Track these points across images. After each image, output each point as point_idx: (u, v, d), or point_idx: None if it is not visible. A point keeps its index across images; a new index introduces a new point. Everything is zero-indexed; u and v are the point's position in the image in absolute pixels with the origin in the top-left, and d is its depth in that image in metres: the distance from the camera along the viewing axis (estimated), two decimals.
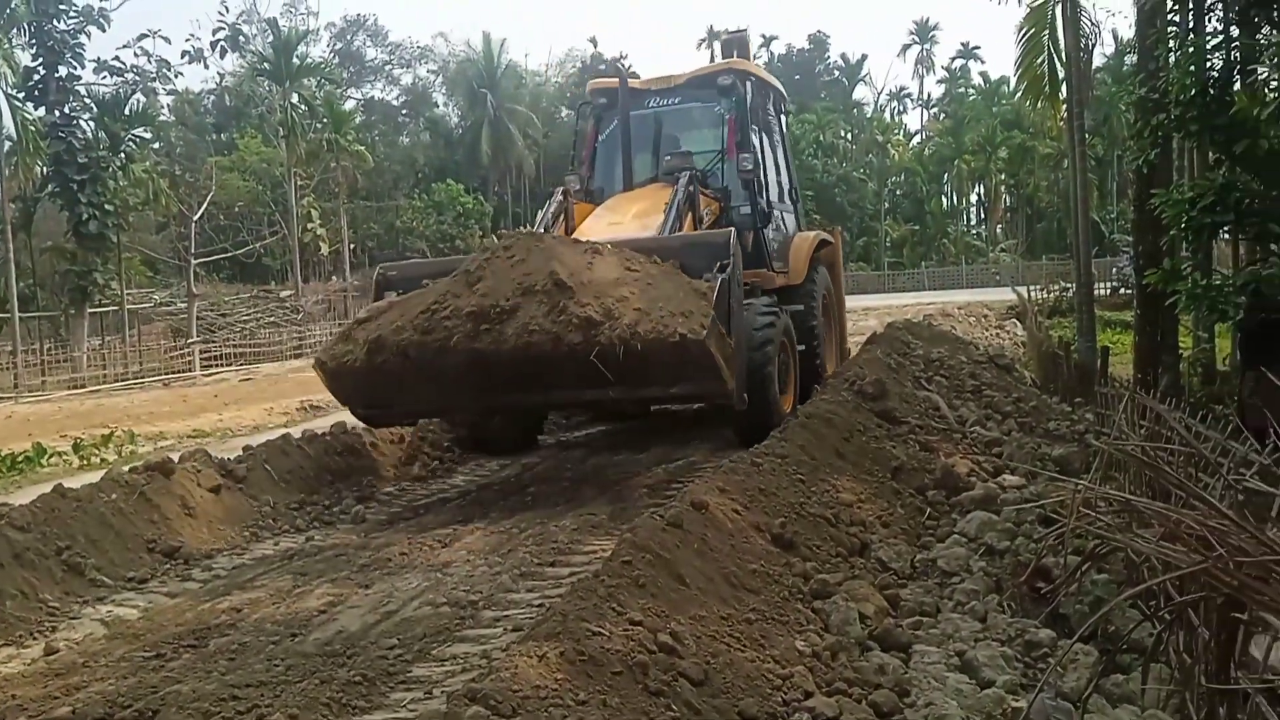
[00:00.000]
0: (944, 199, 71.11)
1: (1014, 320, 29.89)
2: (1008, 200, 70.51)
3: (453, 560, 6.09)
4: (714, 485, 6.04)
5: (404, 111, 76.91)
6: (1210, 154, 12.24)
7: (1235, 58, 10.94)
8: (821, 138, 65.85)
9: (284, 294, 40.93)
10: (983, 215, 74.75)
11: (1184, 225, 10.45)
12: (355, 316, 8.37)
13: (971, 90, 76.81)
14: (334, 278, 51.37)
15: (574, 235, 9.05)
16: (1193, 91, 10.30)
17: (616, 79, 10.89)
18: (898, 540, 6.41)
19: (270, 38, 47.51)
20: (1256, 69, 9.98)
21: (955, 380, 12.28)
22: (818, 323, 11.06)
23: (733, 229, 8.55)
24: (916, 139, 78.74)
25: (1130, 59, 19.38)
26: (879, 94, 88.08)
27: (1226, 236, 14.74)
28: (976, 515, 6.71)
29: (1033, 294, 32.79)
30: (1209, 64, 10.78)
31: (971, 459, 8.87)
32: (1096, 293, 27.11)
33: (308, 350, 35.63)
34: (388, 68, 78.19)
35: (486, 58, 71.36)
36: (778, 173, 11.58)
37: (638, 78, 11.44)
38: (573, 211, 9.81)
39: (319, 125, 47.34)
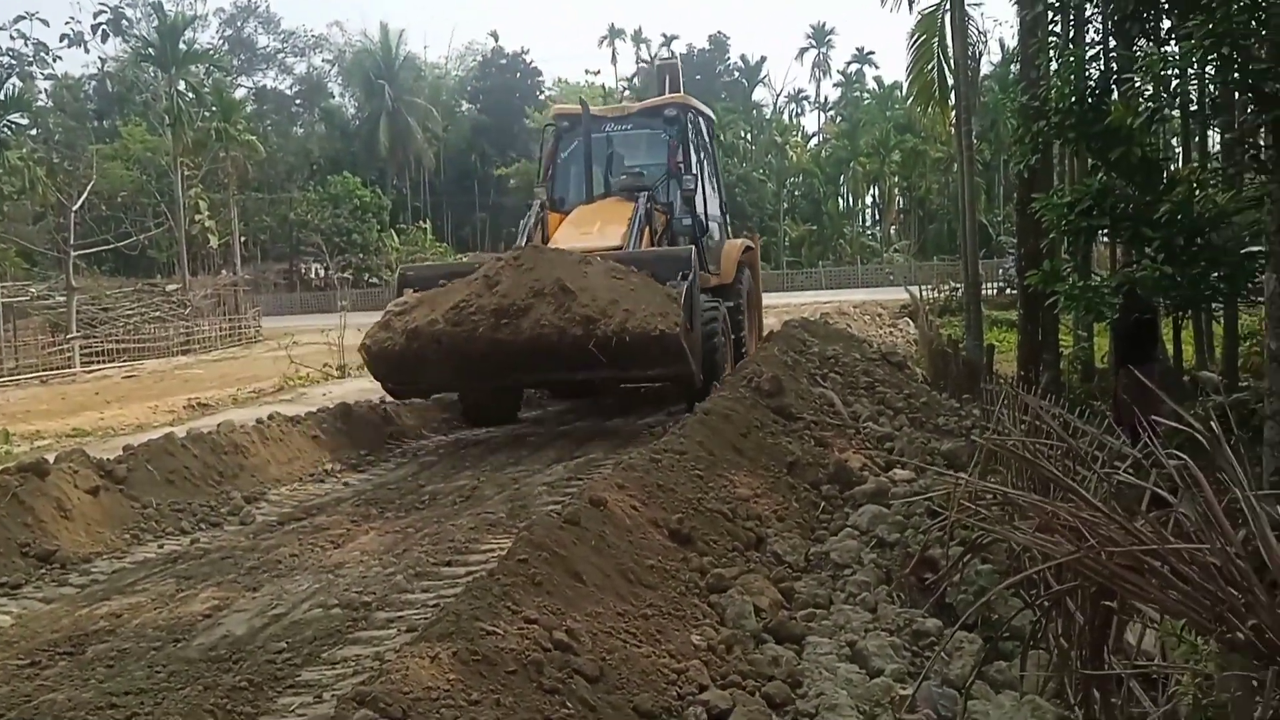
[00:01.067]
0: (840, 200, 72.60)
1: (907, 319, 30.69)
2: (901, 202, 72.37)
3: (345, 561, 5.96)
4: (613, 482, 6.04)
5: (298, 101, 75.00)
6: (1088, 160, 12.77)
7: (1112, 68, 11.43)
8: (722, 138, 66.46)
9: (170, 288, 39.41)
10: (877, 216, 76.65)
11: (1063, 228, 10.90)
12: (387, 309, 10.33)
13: (866, 94, 78.62)
14: (224, 271, 49.72)
15: (549, 242, 11.16)
16: (1071, 100, 10.73)
17: (578, 106, 13.17)
18: (793, 534, 6.51)
19: (155, 22, 45.71)
20: (1132, 79, 10.42)
21: (850, 377, 12.56)
22: (744, 315, 13.02)
23: (693, 247, 10.82)
24: (814, 141, 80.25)
25: (1014, 68, 20.10)
26: (778, 96, 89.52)
27: (1105, 239, 15.42)
28: (868, 508, 6.87)
29: (924, 293, 33.72)
30: (1087, 74, 11.25)
31: (864, 454, 9.08)
32: (984, 292, 28.09)
33: (196, 346, 34.42)
34: (280, 56, 76.14)
35: (384, 49, 70.07)
36: (712, 189, 13.72)
37: (584, 103, 13.54)
38: (548, 221, 11.93)
39: (207, 114, 45.73)
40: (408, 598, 5.25)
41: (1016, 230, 16.16)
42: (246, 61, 73.95)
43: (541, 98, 74.00)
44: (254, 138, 51.19)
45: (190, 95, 44.44)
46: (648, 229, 11.49)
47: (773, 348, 13.03)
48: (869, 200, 76.77)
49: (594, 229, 11.48)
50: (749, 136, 76.58)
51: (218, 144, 46.08)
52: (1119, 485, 4.18)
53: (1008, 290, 33.47)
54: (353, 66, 71.99)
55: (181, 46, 44.55)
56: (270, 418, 9.73)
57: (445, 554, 5.95)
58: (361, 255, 62.39)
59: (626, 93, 79.94)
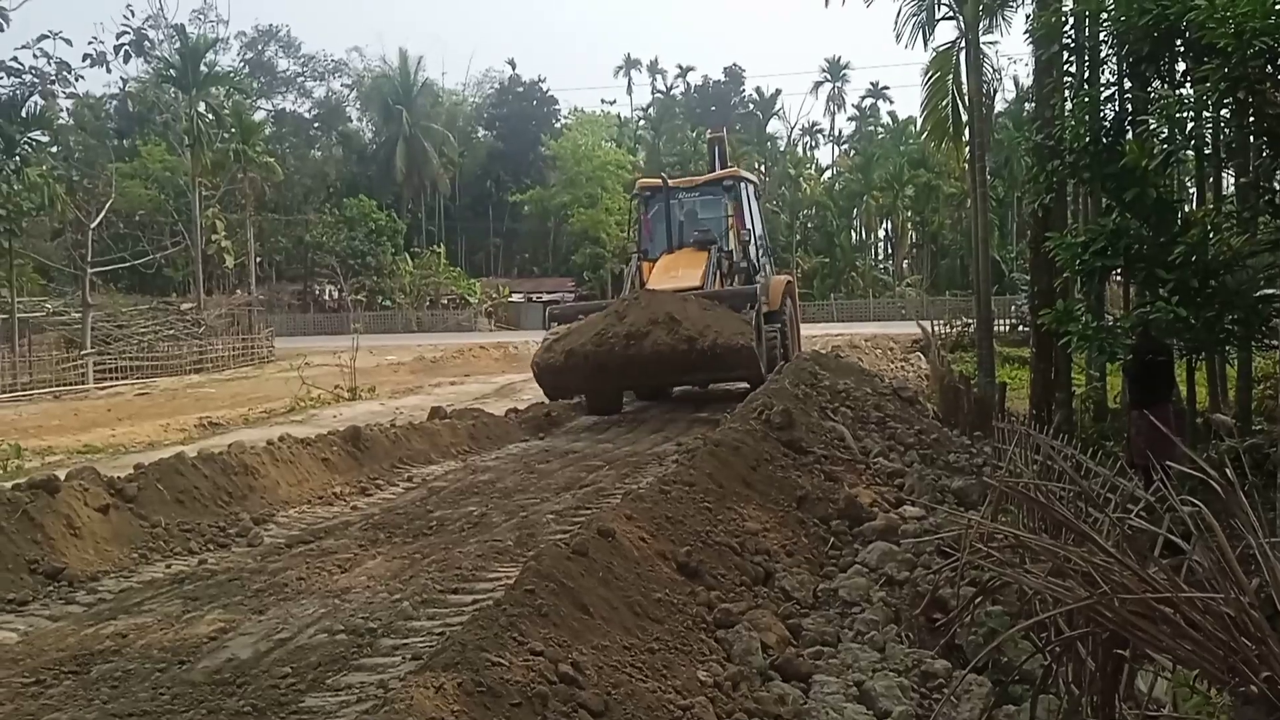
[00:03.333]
0: (853, 233, 72.70)
1: (918, 353, 30.65)
2: (913, 236, 72.41)
3: (352, 586, 5.94)
4: (622, 513, 6.02)
5: (316, 125, 75.60)
6: (1102, 200, 12.77)
7: (1127, 109, 11.45)
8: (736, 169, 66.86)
9: (185, 307, 39.65)
10: (890, 250, 76.66)
11: (1076, 268, 10.87)
12: (545, 338, 14.81)
13: (880, 129, 78.90)
14: (238, 291, 50.00)
15: (647, 285, 15.68)
16: (1086, 140, 10.75)
17: (659, 180, 17.94)
18: (801, 569, 6.48)
19: (177, 44, 46.28)
20: (1147, 121, 10.42)
21: (860, 411, 12.54)
22: (788, 333, 16.61)
23: (757, 286, 15.46)
24: (827, 174, 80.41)
25: (1029, 105, 20.20)
26: (792, 128, 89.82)
27: (1119, 280, 15.38)
28: (878, 545, 6.84)
29: (936, 328, 33.68)
30: (1101, 114, 11.28)
31: (874, 490, 9.04)
32: (996, 329, 28.06)
33: (208, 365, 34.57)
34: (300, 80, 76.86)
35: (403, 74, 70.71)
36: (760, 237, 18.53)
37: (664, 177, 18.31)
38: (642, 269, 16.56)
39: (226, 135, 46.20)
40: (413, 625, 5.23)
41: (1030, 268, 16.15)
42: (266, 84, 74.71)
43: (557, 125, 74.53)
44: (272, 159, 51.66)
45: (210, 117, 44.91)
46: (719, 272, 15.94)
47: (784, 380, 13.02)
48: (882, 234, 76.82)
49: (678, 273, 15.78)
50: (763, 168, 76.83)
51: (236, 165, 46.52)
52: (1132, 530, 4.14)
53: (1020, 327, 33.38)
54: (371, 91, 72.68)
55: (203, 69, 45.04)
56: (281, 439, 9.74)
57: (452, 581, 5.93)
58: (375, 278, 62.72)
59: (642, 122, 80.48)
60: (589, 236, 61.47)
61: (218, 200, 47.28)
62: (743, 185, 17.88)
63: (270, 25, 75.93)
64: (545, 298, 67.75)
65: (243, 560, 6.85)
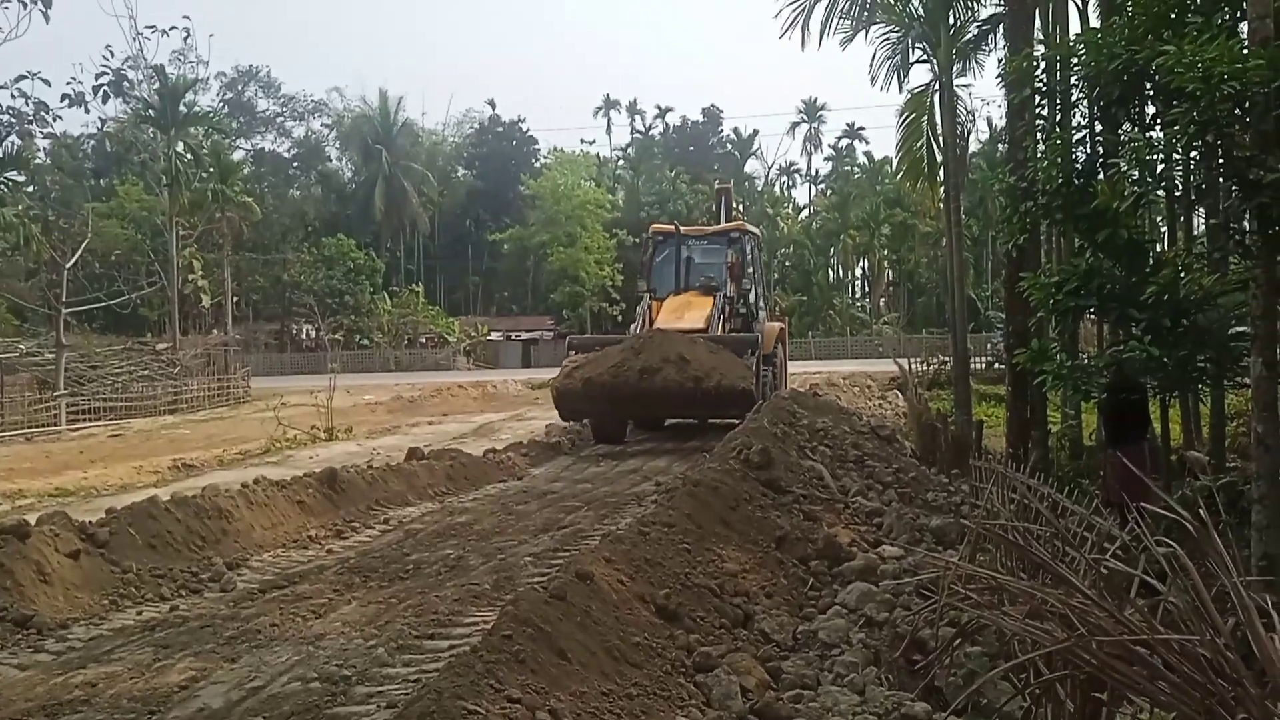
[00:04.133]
0: (830, 271, 73.29)
1: (896, 391, 30.76)
2: (890, 275, 73.04)
3: (326, 632, 5.87)
4: (600, 555, 6.00)
5: (295, 164, 75.74)
6: (1075, 241, 12.92)
7: (1098, 152, 11.62)
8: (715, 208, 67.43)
9: (160, 347, 39.32)
10: (867, 289, 77.28)
11: (1050, 307, 10.96)
12: (564, 364, 16.54)
13: (856, 169, 79.80)
14: (215, 331, 49.66)
15: (655, 323, 17.34)
16: (1058, 182, 10.87)
17: (671, 227, 20.17)
18: (780, 611, 6.46)
19: (156, 84, 46.33)
20: (1118, 163, 10.58)
21: (839, 450, 12.58)
22: (778, 375, 18.91)
23: (759, 334, 17.73)
24: (805, 213, 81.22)
25: (1002, 147, 20.48)
26: (769, 168, 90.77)
27: (1093, 319, 15.54)
28: (857, 586, 6.82)
29: (913, 366, 33.85)
30: (1073, 157, 11.43)
31: (853, 529, 9.05)
32: (972, 367, 28.22)
33: (183, 405, 34.24)
34: (280, 119, 77.10)
35: (383, 114, 71.01)
36: (760, 286, 20.65)
37: (675, 224, 21.16)
38: (652, 307, 18.15)
39: (204, 175, 46.14)
40: (389, 672, 5.16)
41: (1005, 307, 16.27)
42: (246, 124, 74.86)
43: (537, 165, 74.93)
44: (250, 199, 51.58)
45: (189, 156, 44.84)
46: (722, 316, 17.65)
47: (762, 419, 13.05)
48: (859, 272, 77.47)
49: (685, 314, 17.47)
50: (740, 208, 77.43)
51: (214, 204, 46.40)
52: (1108, 571, 4.16)
53: (996, 365, 33.60)
54: (350, 131, 72.88)
55: (182, 109, 45.06)
56: (255, 481, 9.65)
57: (428, 626, 5.87)
58: (354, 317, 62.52)
59: (621, 162, 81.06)
60: (568, 275, 61.62)
61: (195, 240, 47.11)
62: (747, 238, 19.86)
63: (250, 66, 76.27)
64: (524, 336, 67.87)
65: (215, 606, 6.76)
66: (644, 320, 18.05)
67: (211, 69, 79.01)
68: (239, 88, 75.40)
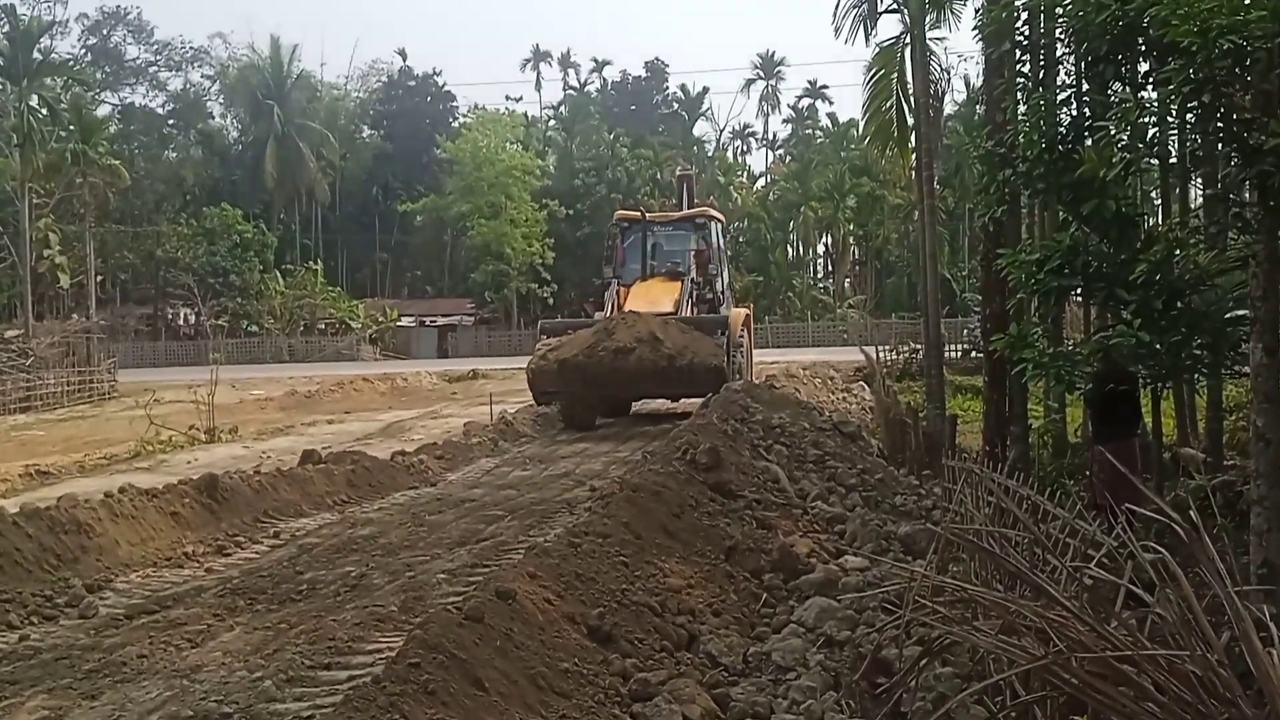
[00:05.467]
0: (790, 249, 73.91)
1: (862, 383, 31.13)
2: (856, 252, 73.87)
3: (204, 663, 5.78)
4: (524, 570, 5.99)
5: (171, 122, 74.20)
6: (1059, 213, 13.17)
7: (1084, 114, 11.82)
8: (659, 175, 67.47)
9: (9, 334, 38.33)
10: (830, 268, 78.08)
11: (1031, 288, 11.16)
12: (537, 347, 18.85)
13: (819, 133, 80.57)
14: (75, 315, 48.53)
15: (624, 308, 19.46)
16: (1041, 147, 11.06)
17: (637, 213, 23.26)
18: (729, 631, 6.50)
19: (5, 27, 45.04)
20: (1106, 127, 10.72)
21: (797, 449, 12.69)
22: (746, 361, 21.01)
23: (729, 315, 20.19)
24: (761, 182, 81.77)
25: (980, 108, 20.79)
26: (721, 131, 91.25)
27: (1078, 300, 15.86)
28: (815, 602, 6.89)
29: (881, 355, 34.26)
30: (1057, 119, 11.63)
31: (812, 538, 9.14)
32: (947, 355, 28.63)
33: (38, 403, 33.42)
34: (153, 70, 75.48)
35: (274, 65, 69.96)
36: (725, 271, 23.50)
37: (641, 210, 24.42)
38: (620, 294, 20.48)
39: (63, 133, 45.01)
40: (277, 708, 5.08)
41: (981, 289, 16.56)
42: (112, 75, 73.20)
43: (455, 125, 74.35)
44: (118, 162, 50.52)
45: (44, 112, 43.74)
46: (690, 301, 20.27)
47: (711, 414, 13.12)
48: (821, 249, 78.22)
49: (654, 299, 19.95)
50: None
51: (74, 168, 45.32)
52: (1091, 580, 4.24)
53: (973, 353, 34.16)
54: (237, 84, 71.64)
55: (35, 55, 43.94)
56: (122, 490, 9.46)
57: (324, 655, 5.79)
58: (240, 299, 61.58)
59: (553, 122, 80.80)
60: (491, 252, 61.30)
61: (51, 209, 45.96)
62: (713, 224, 22.78)
63: (117, 7, 74.54)
64: (440, 321, 67.45)
65: (73, 635, 6.60)
66: (612, 306, 20.34)
67: (71, 9, 77.22)
68: (104, 32, 73.65)
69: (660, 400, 21.79)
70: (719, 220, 23.65)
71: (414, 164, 73.22)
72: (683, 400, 19.97)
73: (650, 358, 17.11)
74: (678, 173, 30.28)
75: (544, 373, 18.11)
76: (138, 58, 75.05)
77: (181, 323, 65.85)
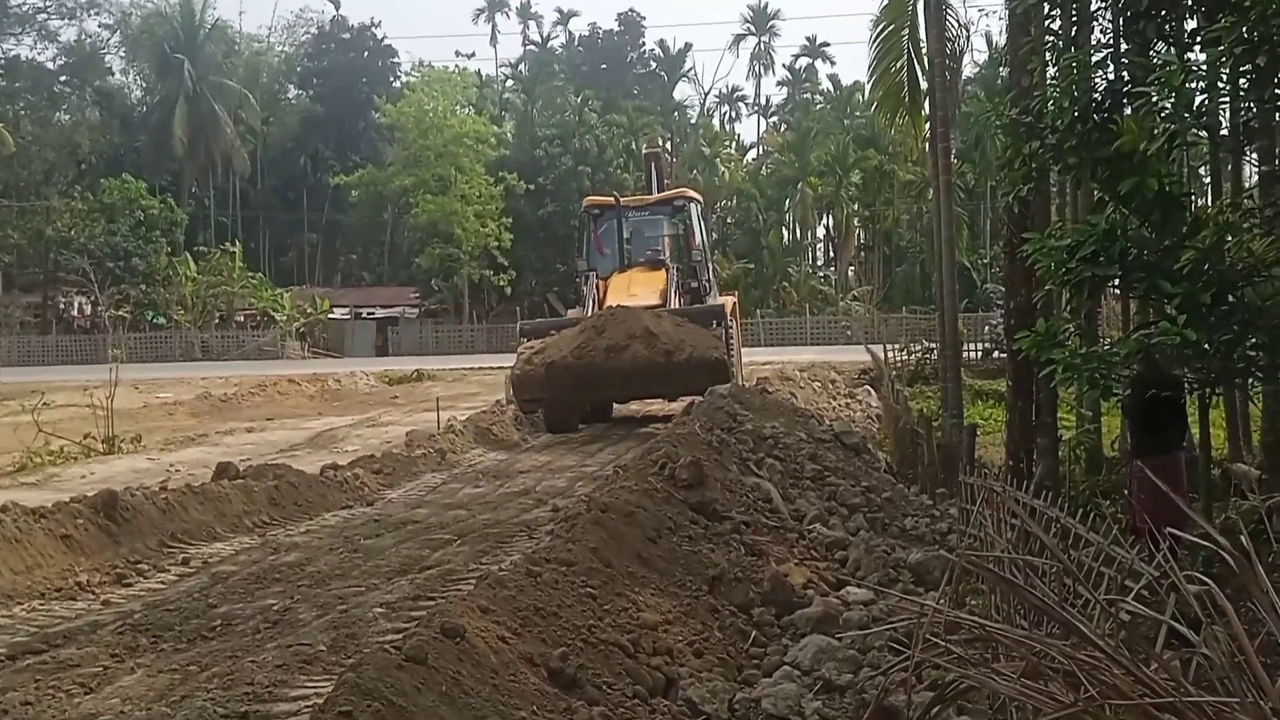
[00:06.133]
0: (785, 231, 74.11)
1: (867, 387, 31.24)
2: (861, 236, 74.21)
3: (100, 711, 5.78)
4: (475, 604, 5.98)
5: (63, 78, 73.44)
6: (1093, 193, 13.24)
7: (1123, 78, 11.90)
8: (635, 145, 67.53)
9: None
10: (832, 254, 78.36)
11: (1061, 278, 11.20)
12: (520, 351, 19.85)
13: (819, 97, 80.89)
14: None
15: (604, 302, 20.87)
16: (1073, 115, 11.11)
17: (610, 199, 24.43)
18: (713, 674, 6.53)
19: None
20: (1147, 93, 10.79)
21: (792, 464, 12.74)
22: (734, 354, 21.37)
23: (724, 305, 21.89)
24: (752, 154, 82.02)
25: (1003, 71, 20.88)
26: (705, 95, 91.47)
27: (1115, 293, 15.96)
28: (813, 640, 6.92)
29: (890, 355, 34.40)
30: (1092, 84, 11.70)
31: (810, 566, 9.18)
32: (966, 355, 28.74)
33: None
34: (41, 17, 74.52)
35: (184, 13, 69.55)
36: (708, 257, 24.86)
37: (616, 196, 25.24)
38: (599, 288, 21.79)
39: None
40: None
41: (1004, 279, 16.66)
42: None
43: (396, 84, 74.11)
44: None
45: None
46: (676, 292, 21.49)
47: (693, 423, 13.16)
48: (821, 232, 78.46)
49: (636, 291, 21.04)
50: (668, 145, 77.78)
51: None
52: (1129, 616, 4.28)
53: (995, 354, 34.36)
54: (140, 35, 71.15)
55: None
56: (4, 509, 9.39)
57: (240, 702, 5.77)
58: (144, 287, 61.17)
59: (510, 83, 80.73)
60: (438, 233, 61.12)
61: None
62: (692, 206, 24.27)
63: None
64: (379, 313, 67.26)
65: None
66: (593, 302, 21.61)
67: None
68: None
69: (631, 404, 23.04)
70: (698, 201, 25.12)
71: (348, 130, 72.95)
72: (680, 399, 20.68)
73: (646, 355, 18.09)
74: (644, 150, 33.02)
75: (530, 379, 18.99)
76: (23, 3, 74.18)
77: (75, 314, 65.37)
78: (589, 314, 20.94)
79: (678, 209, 23.79)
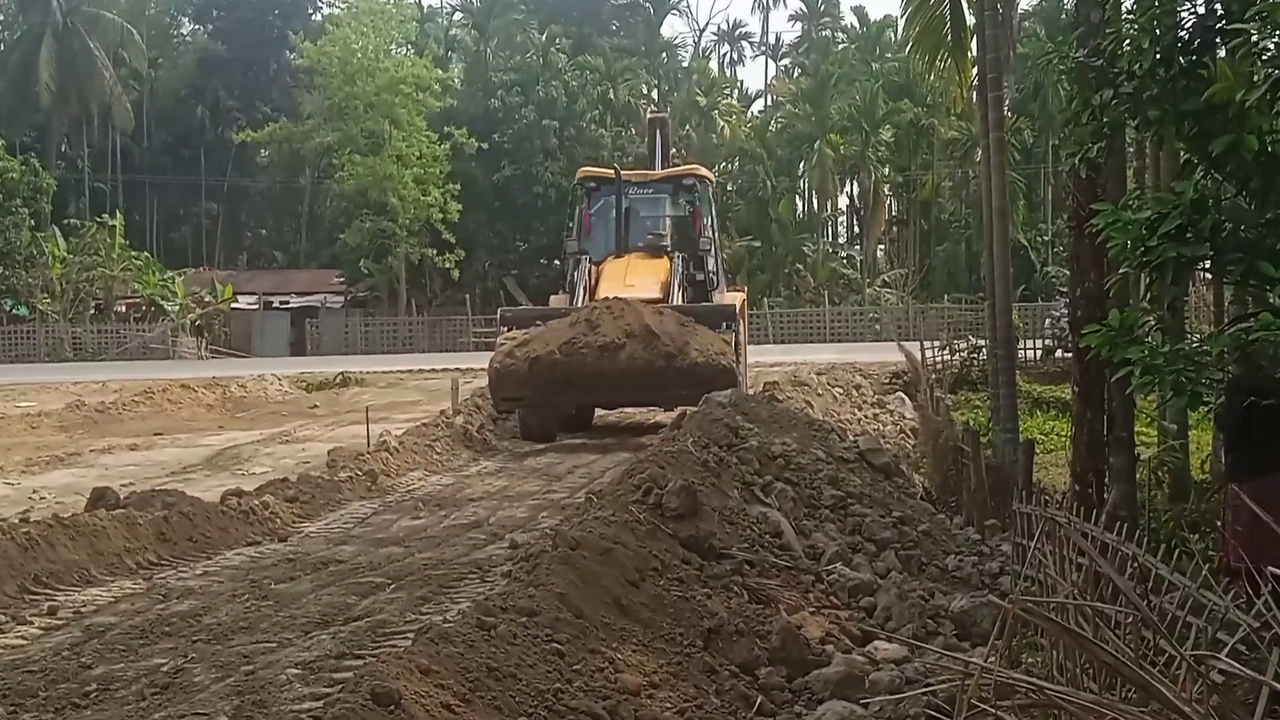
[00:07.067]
0: (799, 201, 74.29)
1: (900, 395, 31.30)
2: (893, 207, 74.36)
3: None
4: (413, 664, 5.98)
5: None
6: (1179, 154, 13.28)
7: (1215, 11, 11.92)
8: (613, 95, 67.54)
9: None
10: (857, 229, 78.56)
11: (1140, 259, 11.19)
12: (500, 342, 20.73)
13: (841, 35, 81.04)
14: None
15: (598, 291, 21.88)
16: (1154, 58, 11.13)
17: (609, 171, 25.94)
18: None
19: None
20: (1246, 29, 10.79)
21: (808, 489, 12.74)
22: (741, 354, 22.49)
23: (735, 304, 23.22)
24: (758, 105, 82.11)
25: (1069, 4, 20.94)
26: (701, 32, 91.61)
27: (1206, 277, 16.02)
28: (832, 708, 6.92)
29: (929, 354, 34.47)
30: (1178, 19, 11.72)
31: (829, 615, 9.18)
32: (1022, 355, 28.81)
33: None
34: None
35: None
36: (717, 245, 26.22)
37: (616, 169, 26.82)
38: (592, 274, 22.85)
39: None
40: None
41: (1070, 260, 16.70)
42: None
43: (316, 18, 73.95)
44: None
45: None
46: (681, 284, 22.56)
47: (686, 439, 13.14)
48: (843, 203, 78.65)
49: (633, 281, 22.14)
50: (655, 94, 77.83)
51: None
52: (1222, 676, 4.29)
53: (1058, 353, 34.48)
54: None
55: None
56: None
57: None
58: (2, 269, 60.88)
59: (459, 16, 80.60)
60: (369, 202, 61.02)
61: None
62: (703, 185, 25.48)
63: None
64: (294, 302, 67.16)
65: None
66: (584, 290, 22.59)
67: None
68: None
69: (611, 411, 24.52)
70: (709, 181, 26.67)
71: (257, 75, 72.96)
72: (677, 409, 21.08)
73: (645, 356, 19.00)
74: (648, 116, 34.59)
75: (510, 374, 19.92)
76: None
77: None
78: (578, 303, 21.87)
79: (686, 188, 25.02)
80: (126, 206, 68.94)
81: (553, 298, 25.30)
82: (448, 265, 62.07)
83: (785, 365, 34.89)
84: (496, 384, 20.44)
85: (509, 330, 21.21)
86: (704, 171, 27.19)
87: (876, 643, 8.41)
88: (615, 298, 20.81)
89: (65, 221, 64.12)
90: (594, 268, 23.25)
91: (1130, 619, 5.75)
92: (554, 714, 6.13)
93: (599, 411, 24.32)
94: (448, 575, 10.39)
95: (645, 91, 76.17)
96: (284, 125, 65.03)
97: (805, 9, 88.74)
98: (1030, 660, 7.10)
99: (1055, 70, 15.93)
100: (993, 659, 5.40)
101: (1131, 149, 16.08)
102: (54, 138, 68.25)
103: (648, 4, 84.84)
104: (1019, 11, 36.07)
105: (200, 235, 74.92)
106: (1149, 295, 13.37)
